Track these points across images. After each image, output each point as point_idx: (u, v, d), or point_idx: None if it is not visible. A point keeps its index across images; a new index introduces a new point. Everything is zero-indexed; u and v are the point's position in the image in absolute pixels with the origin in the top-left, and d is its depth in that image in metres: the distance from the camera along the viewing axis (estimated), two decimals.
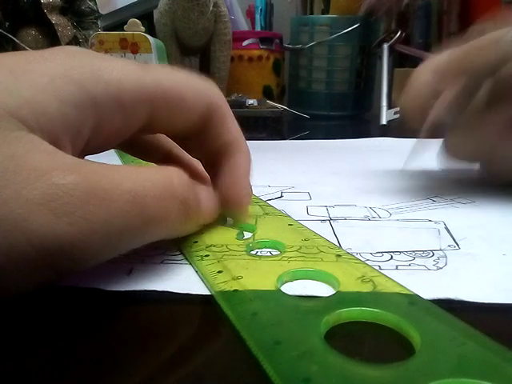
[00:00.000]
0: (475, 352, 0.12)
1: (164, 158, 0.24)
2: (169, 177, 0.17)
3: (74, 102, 0.15)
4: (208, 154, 0.22)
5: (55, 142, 0.15)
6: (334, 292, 0.15)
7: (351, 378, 0.11)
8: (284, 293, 0.15)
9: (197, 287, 0.17)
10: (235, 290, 0.15)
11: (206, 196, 0.20)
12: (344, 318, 0.14)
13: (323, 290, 0.16)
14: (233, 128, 0.21)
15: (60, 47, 0.17)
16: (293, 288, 0.16)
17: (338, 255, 0.18)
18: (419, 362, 0.11)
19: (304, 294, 0.16)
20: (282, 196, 0.28)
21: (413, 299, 0.15)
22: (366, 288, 0.15)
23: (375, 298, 0.15)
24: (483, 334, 0.12)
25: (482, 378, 0.11)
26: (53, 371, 0.13)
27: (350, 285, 0.15)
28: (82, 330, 0.15)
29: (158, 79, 0.18)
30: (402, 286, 0.15)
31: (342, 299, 0.15)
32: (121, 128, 0.18)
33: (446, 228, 0.22)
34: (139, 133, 0.19)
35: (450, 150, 0.27)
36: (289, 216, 0.23)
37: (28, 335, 0.14)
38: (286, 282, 0.16)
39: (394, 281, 0.16)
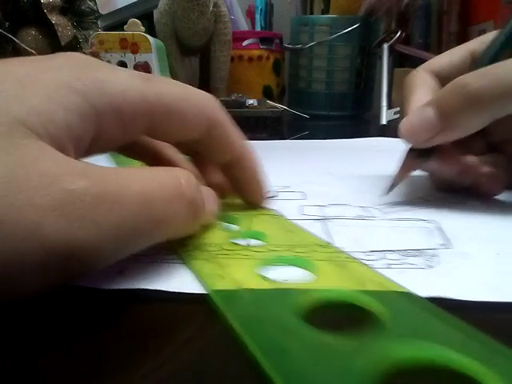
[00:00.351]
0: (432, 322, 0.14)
1: (155, 156, 0.24)
2: (176, 177, 0.17)
3: (78, 111, 0.16)
4: (218, 163, 0.23)
5: (61, 149, 0.15)
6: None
7: (321, 346, 0.12)
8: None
9: (189, 286, 0.17)
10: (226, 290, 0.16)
11: (208, 196, 0.20)
12: (317, 299, 0.15)
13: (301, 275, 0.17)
14: (237, 143, 0.22)
15: (67, 55, 0.18)
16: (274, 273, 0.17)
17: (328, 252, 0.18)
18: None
19: (283, 278, 0.17)
20: (276, 196, 0.28)
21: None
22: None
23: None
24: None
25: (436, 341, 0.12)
26: (46, 369, 0.13)
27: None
28: (74, 328, 0.15)
29: (159, 93, 0.18)
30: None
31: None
32: (119, 137, 0.18)
33: (439, 227, 0.22)
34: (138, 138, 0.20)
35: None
36: (286, 217, 0.23)
37: (20, 334, 0.15)
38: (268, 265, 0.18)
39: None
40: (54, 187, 0.14)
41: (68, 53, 0.18)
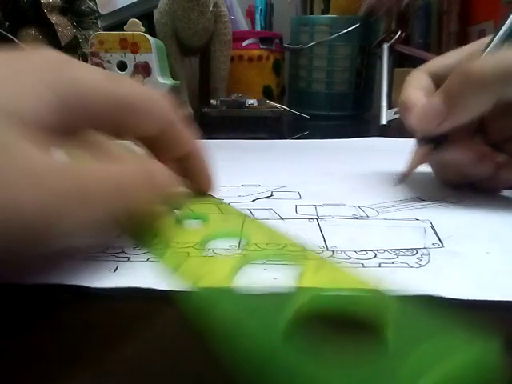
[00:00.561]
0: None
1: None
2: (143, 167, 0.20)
3: (53, 108, 0.17)
4: (170, 157, 0.24)
5: (38, 144, 0.16)
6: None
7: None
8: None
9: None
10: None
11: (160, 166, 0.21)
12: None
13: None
14: (188, 140, 0.24)
15: (42, 54, 0.19)
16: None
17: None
18: None
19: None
20: (272, 195, 0.28)
21: None
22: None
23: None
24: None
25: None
26: (42, 366, 0.13)
27: None
28: (68, 326, 0.15)
29: (124, 93, 0.20)
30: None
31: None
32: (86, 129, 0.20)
33: (432, 227, 0.22)
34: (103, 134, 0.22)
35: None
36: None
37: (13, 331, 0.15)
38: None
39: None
40: (40, 187, 0.15)
41: (43, 51, 0.19)
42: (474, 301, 0.16)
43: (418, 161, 0.28)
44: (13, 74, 0.17)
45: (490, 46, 0.27)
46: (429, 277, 0.17)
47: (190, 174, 0.25)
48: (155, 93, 0.22)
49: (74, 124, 0.18)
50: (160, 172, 0.21)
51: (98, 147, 0.23)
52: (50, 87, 0.17)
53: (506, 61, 0.23)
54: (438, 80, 0.29)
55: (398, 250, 0.20)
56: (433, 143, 0.27)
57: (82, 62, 0.20)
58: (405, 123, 0.29)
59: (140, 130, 0.22)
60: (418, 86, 0.29)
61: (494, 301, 0.16)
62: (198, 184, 0.26)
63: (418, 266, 0.18)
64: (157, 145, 0.23)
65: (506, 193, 0.28)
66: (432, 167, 0.30)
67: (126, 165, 0.20)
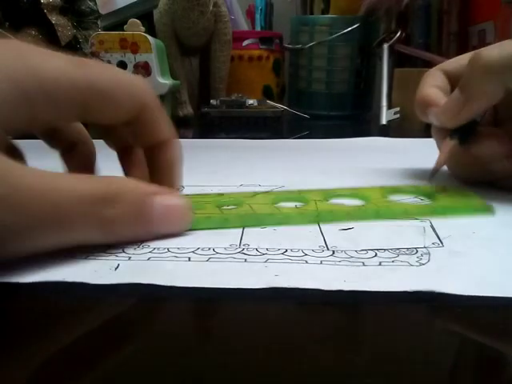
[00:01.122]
0: None
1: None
2: (101, 189, 0.18)
3: (6, 98, 0.16)
4: (144, 146, 0.24)
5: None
6: None
7: None
8: None
9: (182, 280, 0.17)
10: None
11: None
12: None
13: None
14: (164, 127, 0.23)
15: (3, 41, 0.18)
16: None
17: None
18: None
19: None
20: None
21: None
22: None
23: None
24: None
25: None
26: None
27: None
28: (71, 324, 0.15)
29: (92, 78, 0.19)
30: None
31: None
32: (53, 120, 0.20)
33: (432, 226, 0.22)
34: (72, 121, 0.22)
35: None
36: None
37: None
38: None
39: None
40: None
41: (2, 40, 0.18)
42: (476, 297, 0.16)
43: (446, 156, 0.28)
44: None
45: None
46: (430, 275, 0.17)
47: (156, 165, 0.24)
48: (128, 75, 0.22)
49: (38, 118, 0.18)
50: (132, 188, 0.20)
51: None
52: (9, 78, 0.17)
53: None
54: (453, 79, 0.30)
55: (398, 249, 0.20)
56: (460, 137, 0.27)
57: (44, 49, 0.19)
58: (422, 119, 0.30)
59: (112, 116, 0.21)
60: (433, 84, 0.30)
61: (494, 297, 0.16)
62: (161, 178, 0.24)
63: (418, 264, 0.18)
64: (130, 131, 0.23)
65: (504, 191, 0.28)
66: (455, 166, 0.31)
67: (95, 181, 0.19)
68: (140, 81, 0.22)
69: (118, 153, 0.25)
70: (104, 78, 0.20)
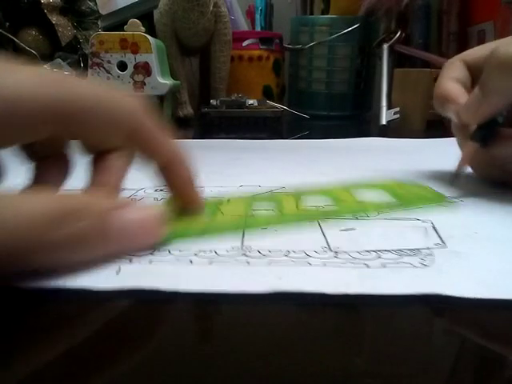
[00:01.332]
0: None
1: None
2: (58, 206, 0.16)
3: None
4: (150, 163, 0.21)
5: None
6: None
7: None
8: None
9: (184, 284, 0.17)
10: None
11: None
12: None
13: None
14: (163, 148, 0.20)
15: None
16: None
17: None
18: None
19: None
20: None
21: None
22: None
23: None
24: None
25: None
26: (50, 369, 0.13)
27: None
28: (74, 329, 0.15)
29: (64, 96, 0.17)
30: None
31: None
32: (17, 138, 0.17)
33: (434, 227, 0.22)
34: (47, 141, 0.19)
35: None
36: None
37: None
38: None
39: None
40: None
41: None
42: (480, 300, 0.16)
43: (468, 158, 0.28)
44: None
45: None
46: (433, 276, 0.17)
47: (171, 188, 0.22)
48: (116, 95, 0.19)
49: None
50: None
51: None
52: None
53: None
54: (474, 70, 0.30)
55: (401, 250, 0.20)
56: (481, 139, 0.27)
57: (6, 62, 0.17)
58: (441, 113, 0.30)
59: (94, 140, 0.19)
60: (453, 76, 0.30)
61: (499, 299, 0.16)
62: (181, 198, 0.22)
63: (422, 266, 0.18)
64: (127, 154, 0.20)
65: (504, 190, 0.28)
66: (475, 165, 0.30)
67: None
68: (129, 100, 0.19)
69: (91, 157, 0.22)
70: (80, 98, 0.17)
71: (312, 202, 0.26)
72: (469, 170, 0.30)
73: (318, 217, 0.24)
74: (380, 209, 0.25)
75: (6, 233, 0.15)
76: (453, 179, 0.28)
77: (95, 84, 0.19)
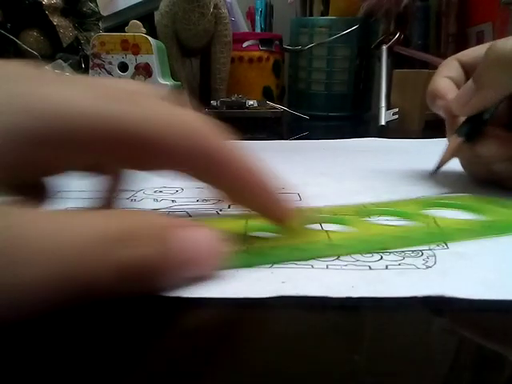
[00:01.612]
0: None
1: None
2: (103, 232, 0.14)
3: (6, 137, 0.13)
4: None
5: None
6: None
7: None
8: None
9: (188, 292, 0.16)
10: None
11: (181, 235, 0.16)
12: None
13: None
14: (240, 170, 0.18)
15: (10, 65, 0.14)
16: None
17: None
18: None
19: None
20: None
21: None
22: None
23: None
24: None
25: None
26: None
27: None
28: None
29: (124, 118, 0.14)
30: None
31: None
32: (62, 166, 0.16)
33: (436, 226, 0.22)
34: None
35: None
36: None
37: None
38: None
39: None
40: None
41: (13, 61, 0.15)
42: (484, 301, 0.16)
43: (451, 153, 0.28)
44: None
45: None
46: (437, 278, 0.17)
47: (252, 209, 0.19)
48: (181, 115, 0.16)
49: (39, 158, 0.14)
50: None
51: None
52: (3, 107, 0.13)
53: None
54: (469, 70, 0.30)
55: (403, 251, 0.20)
56: (466, 134, 0.28)
57: (65, 75, 0.15)
58: (433, 110, 0.31)
59: (159, 166, 0.16)
60: (447, 74, 0.30)
61: (502, 300, 0.16)
62: (268, 218, 0.20)
63: (425, 267, 0.18)
64: (199, 179, 0.18)
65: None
66: (465, 163, 0.31)
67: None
68: (197, 120, 0.16)
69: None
70: (143, 118, 0.15)
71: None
72: (456, 166, 0.30)
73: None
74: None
75: (61, 259, 0.13)
76: (433, 172, 0.29)
77: (156, 101, 0.16)
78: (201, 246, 0.16)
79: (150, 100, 0.16)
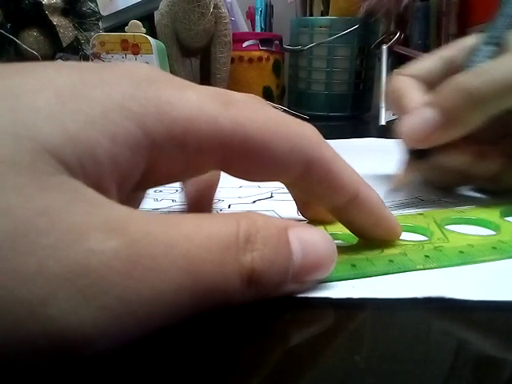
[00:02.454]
0: None
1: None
2: (232, 233, 0.13)
3: (128, 142, 0.12)
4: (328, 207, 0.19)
5: (98, 187, 0.12)
6: None
7: None
8: None
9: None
10: None
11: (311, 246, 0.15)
12: None
13: None
14: (347, 184, 0.17)
15: (128, 66, 0.14)
16: None
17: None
18: None
19: None
20: (272, 196, 0.28)
21: None
22: None
23: None
24: None
25: None
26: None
27: None
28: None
29: (238, 122, 0.14)
30: None
31: None
32: (179, 172, 0.15)
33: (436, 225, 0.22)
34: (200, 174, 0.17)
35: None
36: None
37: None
38: None
39: None
40: (78, 246, 0.10)
41: (130, 63, 0.15)
42: (483, 302, 0.16)
43: (409, 174, 0.27)
44: (73, 86, 0.12)
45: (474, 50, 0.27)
46: (437, 278, 0.17)
47: (356, 226, 0.19)
48: (290, 120, 0.16)
49: (158, 164, 0.14)
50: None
51: None
52: (128, 113, 0.12)
53: (501, 75, 0.23)
54: (422, 83, 0.29)
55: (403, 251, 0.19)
56: (422, 156, 0.26)
57: (178, 79, 0.15)
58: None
59: (265, 173, 0.16)
60: (415, 89, 0.28)
61: (503, 301, 0.16)
62: (372, 236, 0.19)
63: (424, 268, 0.18)
64: (298, 191, 0.18)
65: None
66: (424, 175, 0.30)
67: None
68: (305, 126, 0.16)
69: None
70: (255, 122, 0.15)
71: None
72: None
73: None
74: None
75: (193, 267, 0.12)
76: (393, 191, 0.28)
77: (264, 106, 0.16)
78: (320, 249, 0.15)
79: (264, 106, 0.16)
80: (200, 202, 0.21)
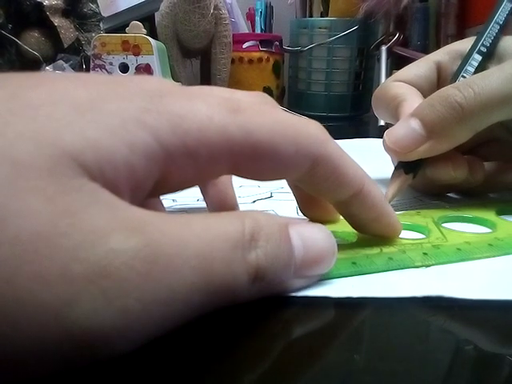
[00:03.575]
0: None
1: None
2: (238, 231, 0.13)
3: (145, 152, 0.13)
4: (332, 202, 0.19)
5: (114, 193, 0.12)
6: None
7: None
8: None
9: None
10: None
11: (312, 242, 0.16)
12: None
13: None
14: (353, 179, 0.18)
15: (140, 80, 0.15)
16: None
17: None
18: None
19: None
20: (271, 196, 0.28)
21: None
22: None
23: None
24: None
25: None
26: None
27: None
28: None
29: (247, 129, 0.15)
30: None
31: None
32: (191, 180, 0.15)
33: (436, 224, 0.23)
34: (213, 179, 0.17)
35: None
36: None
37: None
38: None
39: None
40: (98, 248, 0.10)
41: (141, 77, 0.15)
42: (481, 300, 0.16)
43: (398, 189, 0.26)
44: (91, 100, 0.12)
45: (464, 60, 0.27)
46: (435, 277, 0.18)
47: (359, 221, 0.19)
48: (296, 120, 0.16)
49: (171, 173, 0.14)
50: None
51: None
52: (144, 125, 0.13)
53: (490, 88, 0.23)
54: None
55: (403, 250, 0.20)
56: (410, 170, 0.26)
57: (187, 91, 0.15)
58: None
59: (273, 173, 0.16)
60: (414, 96, 0.28)
61: (501, 300, 0.16)
62: (374, 231, 0.20)
63: (423, 267, 0.18)
64: (304, 188, 0.18)
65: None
66: (413, 186, 0.29)
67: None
68: (311, 125, 0.17)
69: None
70: (263, 126, 0.15)
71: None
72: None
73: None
74: None
75: (205, 265, 0.12)
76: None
77: (271, 110, 0.16)
78: (320, 244, 0.16)
79: (270, 108, 0.16)
80: (224, 202, 0.22)
